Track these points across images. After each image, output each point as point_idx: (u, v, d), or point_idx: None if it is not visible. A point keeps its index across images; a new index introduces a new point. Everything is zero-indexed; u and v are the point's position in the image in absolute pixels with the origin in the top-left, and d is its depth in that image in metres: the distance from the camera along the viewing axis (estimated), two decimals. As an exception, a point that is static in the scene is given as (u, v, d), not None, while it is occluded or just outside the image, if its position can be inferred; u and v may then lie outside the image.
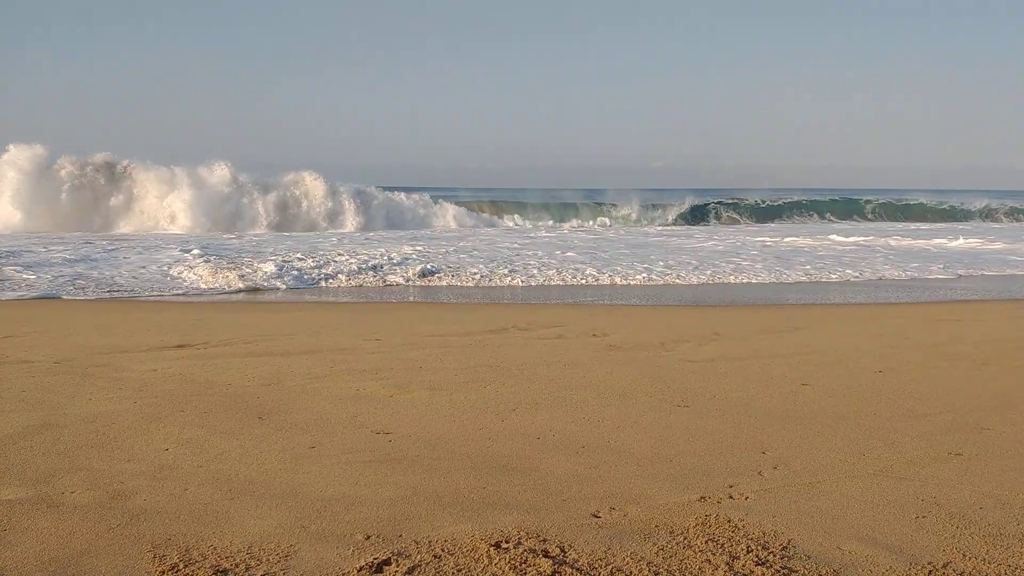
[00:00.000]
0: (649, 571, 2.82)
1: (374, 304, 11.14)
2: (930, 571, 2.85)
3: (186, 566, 2.82)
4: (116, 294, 10.99)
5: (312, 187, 27.75)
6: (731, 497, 3.53)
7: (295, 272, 12.96)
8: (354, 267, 13.76)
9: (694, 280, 13.78)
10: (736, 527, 3.20)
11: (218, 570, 2.80)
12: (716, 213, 38.84)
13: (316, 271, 13.26)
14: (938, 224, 37.77)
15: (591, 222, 34.46)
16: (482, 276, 13.49)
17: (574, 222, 34.19)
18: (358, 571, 2.80)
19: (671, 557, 2.94)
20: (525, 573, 2.80)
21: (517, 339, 7.54)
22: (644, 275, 13.96)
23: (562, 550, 2.98)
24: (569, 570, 2.82)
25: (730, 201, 41.06)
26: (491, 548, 2.98)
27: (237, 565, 2.84)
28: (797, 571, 2.84)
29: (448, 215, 30.58)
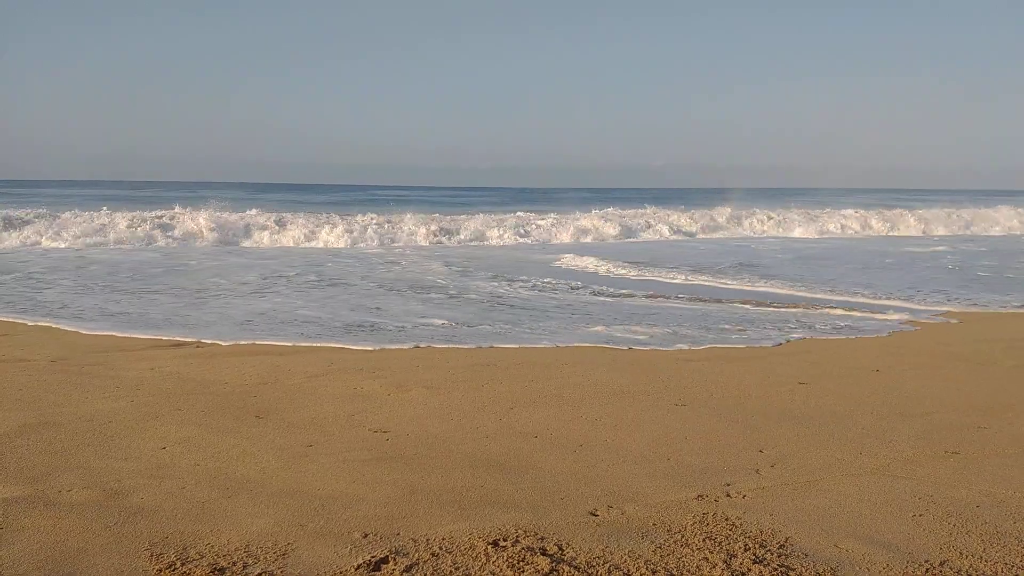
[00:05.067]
0: (647, 569, 2.83)
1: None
2: (927, 569, 2.86)
3: (183, 564, 2.82)
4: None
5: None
6: (728, 495, 3.53)
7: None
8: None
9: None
10: (734, 525, 3.21)
11: (215, 568, 2.80)
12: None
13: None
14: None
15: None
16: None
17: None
18: (356, 569, 2.80)
19: (669, 555, 2.94)
20: (523, 571, 2.80)
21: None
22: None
23: (560, 548, 2.98)
24: (567, 568, 2.82)
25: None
26: (489, 546, 2.98)
27: (234, 563, 2.84)
28: (794, 569, 2.85)
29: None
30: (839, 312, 9.25)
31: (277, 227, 19.81)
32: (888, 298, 10.53)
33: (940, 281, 12.87)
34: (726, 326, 8.18)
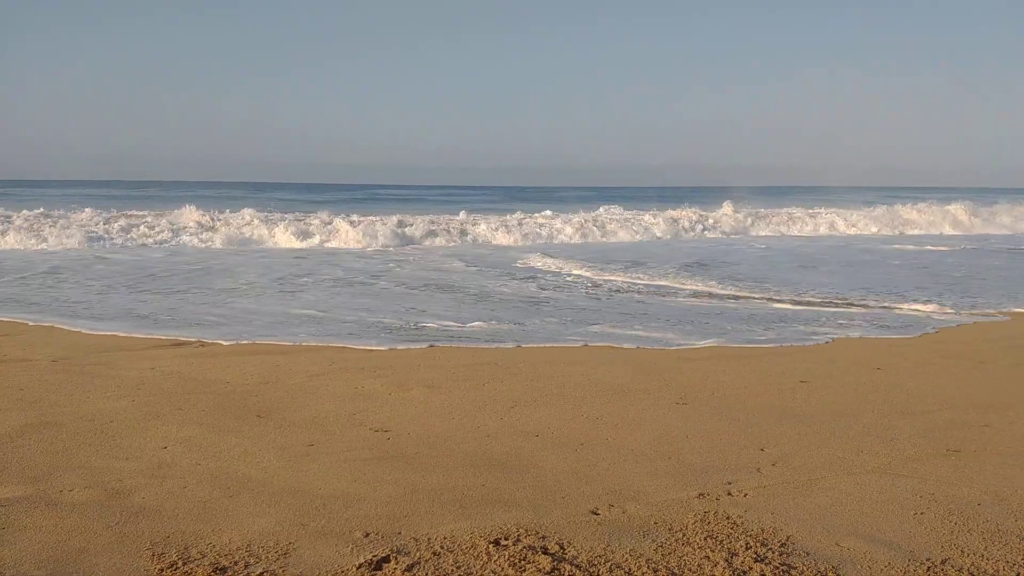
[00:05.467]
0: (648, 568, 2.83)
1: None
2: (928, 567, 2.86)
3: (185, 564, 2.82)
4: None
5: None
6: (730, 494, 3.53)
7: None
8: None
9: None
10: (735, 524, 3.21)
11: (217, 568, 2.80)
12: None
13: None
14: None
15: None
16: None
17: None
18: (357, 568, 2.80)
19: (670, 554, 2.94)
20: (524, 570, 2.80)
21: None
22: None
23: (561, 547, 2.98)
24: (568, 567, 2.83)
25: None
26: (490, 545, 2.98)
27: (236, 563, 2.84)
28: (796, 567, 2.85)
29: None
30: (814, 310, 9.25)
31: (284, 228, 19.70)
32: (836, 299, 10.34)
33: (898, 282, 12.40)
34: (760, 326, 8.18)
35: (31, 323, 7.80)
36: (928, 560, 2.91)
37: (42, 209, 21.65)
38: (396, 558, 2.88)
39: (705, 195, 40.54)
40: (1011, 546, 3.03)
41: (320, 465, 3.85)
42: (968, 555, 2.96)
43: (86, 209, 21.96)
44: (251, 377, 5.65)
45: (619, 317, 8.63)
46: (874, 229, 27.43)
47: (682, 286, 11.45)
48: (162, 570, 2.78)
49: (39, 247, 16.75)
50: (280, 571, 2.79)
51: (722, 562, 2.87)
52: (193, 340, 7.02)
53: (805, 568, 2.85)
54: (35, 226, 18.51)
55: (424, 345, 6.95)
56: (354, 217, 22.02)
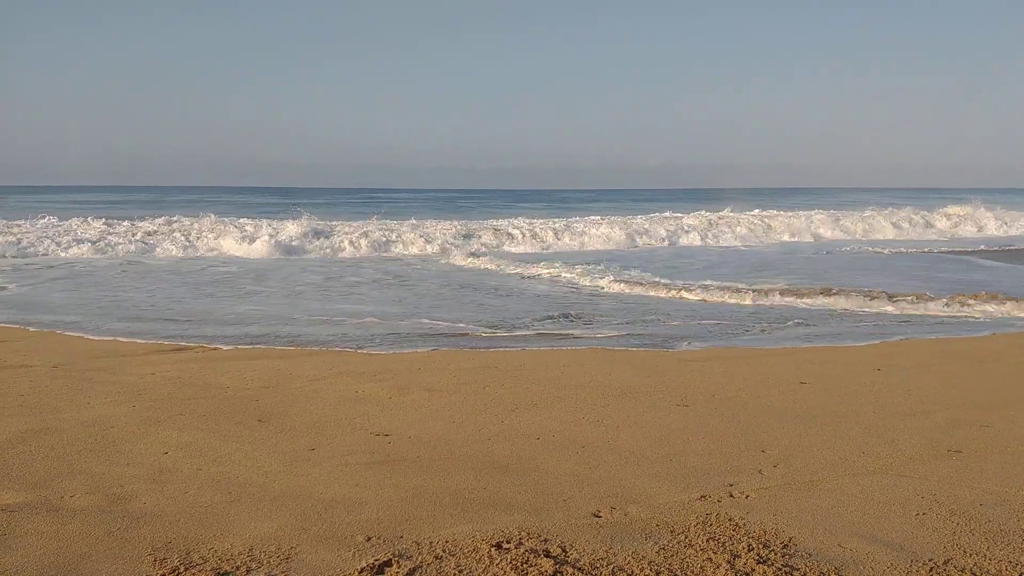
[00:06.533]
0: (651, 570, 2.82)
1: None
2: (931, 568, 2.86)
3: (187, 569, 2.82)
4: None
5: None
6: (731, 496, 3.53)
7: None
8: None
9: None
10: (737, 525, 3.20)
11: (219, 573, 2.79)
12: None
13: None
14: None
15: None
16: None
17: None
18: (359, 572, 2.80)
19: (672, 556, 2.93)
20: (527, 573, 2.80)
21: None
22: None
23: (563, 550, 2.98)
24: (571, 570, 2.82)
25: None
26: (492, 548, 2.98)
27: (238, 568, 2.83)
28: (798, 569, 2.84)
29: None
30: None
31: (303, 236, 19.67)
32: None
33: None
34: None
35: (31, 329, 7.80)
36: (931, 560, 2.91)
37: (39, 214, 21.73)
38: (398, 562, 2.87)
39: (700, 197, 40.35)
40: (1013, 546, 3.03)
41: (321, 469, 3.84)
42: (971, 555, 2.95)
43: (86, 218, 22.03)
44: (252, 382, 5.65)
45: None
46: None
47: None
48: (164, 575, 2.77)
49: (37, 254, 16.77)
50: (282, 575, 2.78)
51: (724, 564, 2.87)
52: (193, 345, 7.02)
53: (808, 569, 2.84)
54: (35, 233, 18.56)
55: (424, 348, 6.95)
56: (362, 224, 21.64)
